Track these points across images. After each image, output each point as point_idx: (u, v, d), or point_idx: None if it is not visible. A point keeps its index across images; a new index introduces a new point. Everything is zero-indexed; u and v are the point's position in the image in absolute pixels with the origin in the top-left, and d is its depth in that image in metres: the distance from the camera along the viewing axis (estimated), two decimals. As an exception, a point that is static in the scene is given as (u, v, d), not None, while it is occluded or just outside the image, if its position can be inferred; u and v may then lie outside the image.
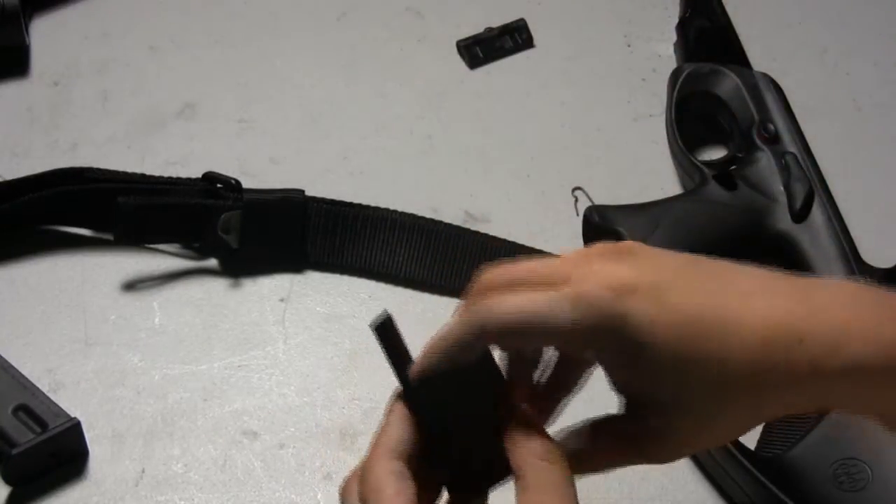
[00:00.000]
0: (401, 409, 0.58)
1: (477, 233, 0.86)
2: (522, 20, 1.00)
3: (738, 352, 0.54)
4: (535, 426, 0.57)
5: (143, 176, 0.87)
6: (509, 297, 0.55)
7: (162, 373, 0.80)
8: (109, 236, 0.85)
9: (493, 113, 0.96)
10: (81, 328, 0.82)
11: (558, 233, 0.88)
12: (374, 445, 0.58)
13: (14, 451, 0.72)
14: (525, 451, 0.56)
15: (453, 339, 0.56)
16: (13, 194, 0.85)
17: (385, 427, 0.58)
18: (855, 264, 0.81)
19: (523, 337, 0.55)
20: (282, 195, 0.85)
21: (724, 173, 0.86)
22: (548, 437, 0.56)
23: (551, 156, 0.93)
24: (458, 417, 0.58)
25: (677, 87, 0.91)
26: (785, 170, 0.86)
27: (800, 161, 0.86)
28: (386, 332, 0.57)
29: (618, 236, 0.82)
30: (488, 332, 0.55)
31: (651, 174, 0.92)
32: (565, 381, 0.59)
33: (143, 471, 0.76)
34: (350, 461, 0.76)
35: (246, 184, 0.85)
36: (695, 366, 0.54)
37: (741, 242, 0.83)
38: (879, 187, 0.91)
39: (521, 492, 0.55)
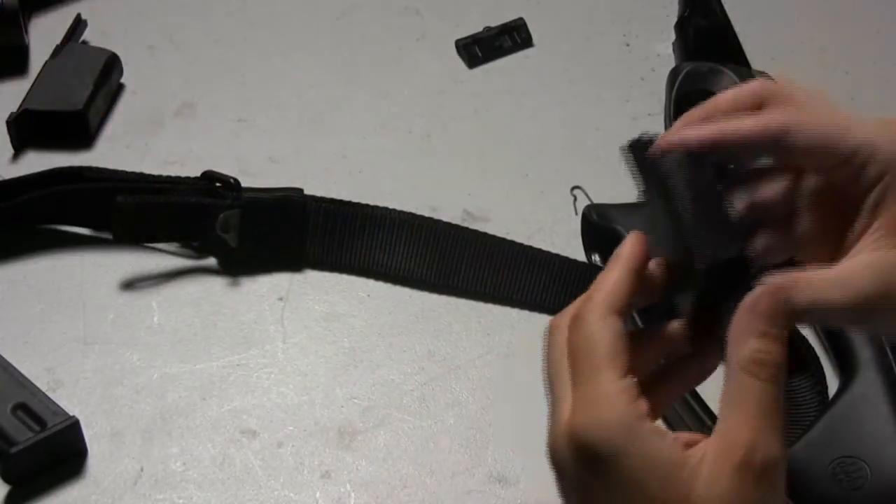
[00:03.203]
0: (628, 258, 0.57)
1: (476, 231, 0.86)
2: (521, 19, 1.01)
3: None
4: (761, 320, 0.54)
5: (142, 175, 0.88)
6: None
7: (161, 371, 0.80)
8: (108, 236, 0.85)
9: (492, 112, 0.96)
10: (80, 327, 0.82)
11: (557, 231, 0.88)
12: (593, 292, 0.56)
13: (13, 450, 0.72)
14: (733, 353, 0.54)
15: (750, 135, 0.56)
16: (13, 194, 0.85)
17: (607, 275, 0.57)
18: (853, 263, 0.81)
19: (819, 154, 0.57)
20: (281, 194, 0.85)
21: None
22: (769, 339, 0.54)
23: (550, 155, 0.93)
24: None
25: (676, 86, 0.91)
26: (784, 168, 0.86)
27: (798, 160, 0.86)
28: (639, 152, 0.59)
29: (616, 235, 0.82)
30: (787, 141, 0.56)
31: (650, 173, 0.92)
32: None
33: (141, 469, 0.76)
34: (349, 460, 0.76)
35: (245, 183, 0.85)
36: None
37: (740, 241, 0.83)
38: (878, 186, 0.91)
39: (722, 398, 0.54)
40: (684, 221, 0.57)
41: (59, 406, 0.75)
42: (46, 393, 0.76)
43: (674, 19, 0.98)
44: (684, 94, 0.91)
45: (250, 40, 1.01)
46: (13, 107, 0.92)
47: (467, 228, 0.86)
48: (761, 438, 0.53)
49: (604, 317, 0.56)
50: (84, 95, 0.92)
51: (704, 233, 0.57)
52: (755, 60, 0.94)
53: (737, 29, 0.96)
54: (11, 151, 0.92)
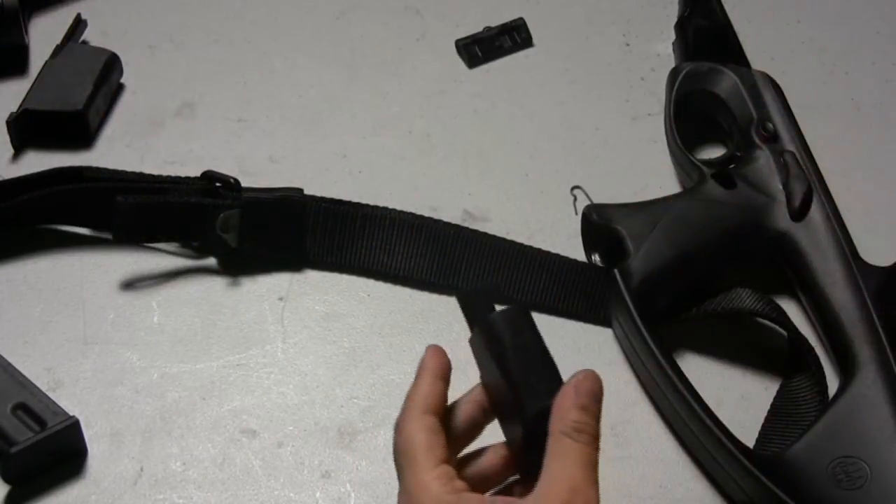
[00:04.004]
0: (431, 367, 0.66)
1: (476, 231, 0.86)
2: (521, 19, 1.01)
3: None
4: (582, 397, 0.63)
5: (141, 175, 0.88)
6: None
7: (161, 371, 0.80)
8: (108, 235, 0.85)
9: (492, 112, 0.96)
10: (80, 327, 0.82)
11: (557, 231, 0.88)
12: (409, 399, 0.66)
13: (13, 450, 0.72)
14: (556, 424, 0.62)
15: None
16: (13, 194, 0.85)
17: (417, 384, 0.66)
18: (853, 263, 0.81)
19: None
20: (281, 194, 0.85)
21: (723, 172, 0.86)
22: (588, 413, 0.62)
23: (550, 154, 0.93)
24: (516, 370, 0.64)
25: (676, 85, 0.91)
26: (784, 168, 0.86)
27: (798, 160, 0.86)
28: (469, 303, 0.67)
29: (616, 235, 0.82)
30: None
31: (650, 173, 0.92)
32: None
33: (141, 469, 0.76)
34: (349, 459, 0.76)
35: (245, 183, 0.85)
36: None
37: (740, 241, 0.83)
38: (878, 186, 0.91)
39: (545, 459, 0.62)
40: (512, 369, 0.64)
41: (59, 406, 0.75)
42: (46, 393, 0.76)
43: (674, 19, 0.98)
44: (684, 94, 0.91)
45: (250, 40, 1.01)
46: (13, 107, 0.92)
47: (467, 228, 0.86)
48: (581, 488, 0.61)
49: (419, 417, 0.65)
50: (84, 95, 0.92)
51: (532, 382, 0.64)
52: (755, 60, 0.94)
53: (737, 29, 0.96)
54: (11, 151, 0.92)
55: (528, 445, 0.63)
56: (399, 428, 0.65)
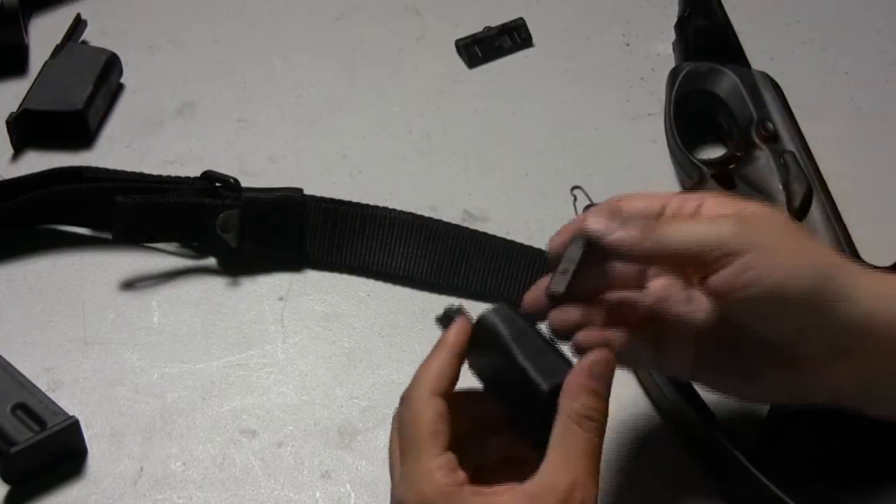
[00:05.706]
0: (452, 343, 0.65)
1: (476, 231, 0.86)
2: (521, 19, 1.01)
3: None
4: (595, 379, 0.62)
5: (141, 175, 0.88)
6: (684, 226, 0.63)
7: (160, 371, 0.80)
8: (108, 235, 0.85)
9: (492, 112, 0.96)
10: (80, 327, 0.82)
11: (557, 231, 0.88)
12: (420, 374, 0.64)
13: (13, 450, 0.72)
14: (565, 405, 0.61)
15: (630, 248, 0.63)
16: (12, 194, 0.85)
17: (433, 358, 0.64)
18: (853, 263, 0.81)
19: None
20: (281, 194, 0.85)
21: (723, 172, 0.86)
22: (598, 397, 0.61)
23: (550, 155, 0.93)
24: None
25: (676, 85, 0.91)
26: (784, 168, 0.86)
27: (798, 159, 0.86)
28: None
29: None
30: (667, 254, 0.62)
31: (649, 173, 0.92)
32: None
33: (141, 469, 0.76)
34: (349, 459, 0.76)
35: (245, 183, 0.86)
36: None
37: (740, 241, 0.83)
38: (877, 186, 0.91)
39: (550, 444, 0.61)
40: (517, 355, 0.64)
41: (58, 406, 0.75)
42: (46, 393, 0.76)
43: (674, 19, 0.98)
44: (684, 94, 0.91)
45: (250, 40, 1.01)
46: (13, 107, 0.92)
47: (467, 228, 0.86)
48: (581, 482, 0.60)
49: (428, 398, 0.63)
50: (84, 95, 0.92)
51: (540, 364, 0.63)
52: (755, 60, 0.94)
53: (737, 29, 0.96)
54: (11, 151, 0.92)
55: (544, 428, 0.62)
56: (406, 403, 0.63)
